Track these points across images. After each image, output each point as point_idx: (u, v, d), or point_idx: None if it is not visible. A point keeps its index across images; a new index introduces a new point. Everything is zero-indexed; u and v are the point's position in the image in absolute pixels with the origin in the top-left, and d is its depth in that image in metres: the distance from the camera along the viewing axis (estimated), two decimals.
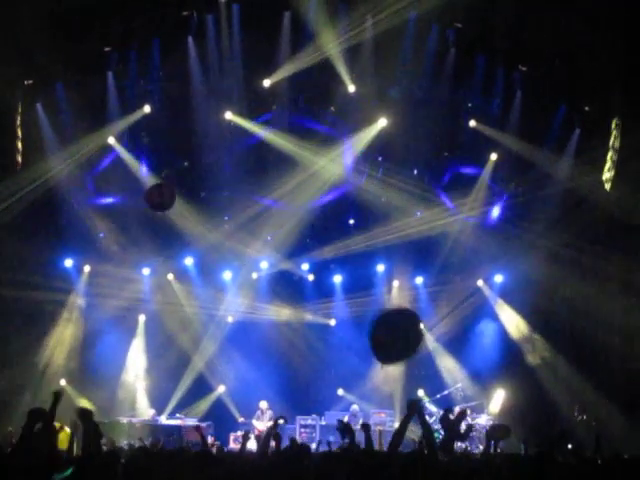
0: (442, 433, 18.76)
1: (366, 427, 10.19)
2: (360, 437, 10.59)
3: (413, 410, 9.03)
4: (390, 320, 10.02)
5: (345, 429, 10.33)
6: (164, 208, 18.22)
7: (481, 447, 20.66)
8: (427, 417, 13.92)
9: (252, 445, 18.35)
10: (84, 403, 22.49)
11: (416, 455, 8.70)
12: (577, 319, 22.16)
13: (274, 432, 10.32)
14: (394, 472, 7.97)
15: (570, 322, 22.58)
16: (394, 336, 9.72)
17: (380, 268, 25.01)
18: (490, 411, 22.65)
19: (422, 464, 8.06)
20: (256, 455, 11.18)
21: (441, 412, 19.75)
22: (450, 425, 17.79)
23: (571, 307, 22.34)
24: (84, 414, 9.14)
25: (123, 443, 19.15)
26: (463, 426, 18.86)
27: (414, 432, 14.35)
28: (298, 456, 8.79)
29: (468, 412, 20.74)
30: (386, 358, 10.02)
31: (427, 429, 9.33)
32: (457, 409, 19.52)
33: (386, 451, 9.07)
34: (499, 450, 12.46)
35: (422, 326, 10.32)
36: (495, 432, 12.89)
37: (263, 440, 10.53)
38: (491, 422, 21.01)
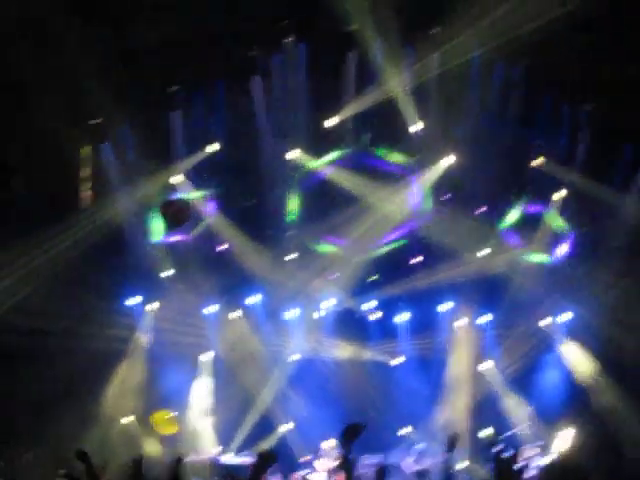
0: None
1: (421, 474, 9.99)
2: None
3: (453, 445, 8.94)
4: None
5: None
6: (179, 225, 17.96)
7: None
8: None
9: None
10: (150, 442, 22.65)
11: None
12: None
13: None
14: None
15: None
16: None
17: (445, 307, 24.76)
18: (557, 451, 22.39)
19: None
20: None
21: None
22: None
23: None
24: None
25: None
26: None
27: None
28: None
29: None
30: None
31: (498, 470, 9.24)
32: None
33: None
34: None
35: None
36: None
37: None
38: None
